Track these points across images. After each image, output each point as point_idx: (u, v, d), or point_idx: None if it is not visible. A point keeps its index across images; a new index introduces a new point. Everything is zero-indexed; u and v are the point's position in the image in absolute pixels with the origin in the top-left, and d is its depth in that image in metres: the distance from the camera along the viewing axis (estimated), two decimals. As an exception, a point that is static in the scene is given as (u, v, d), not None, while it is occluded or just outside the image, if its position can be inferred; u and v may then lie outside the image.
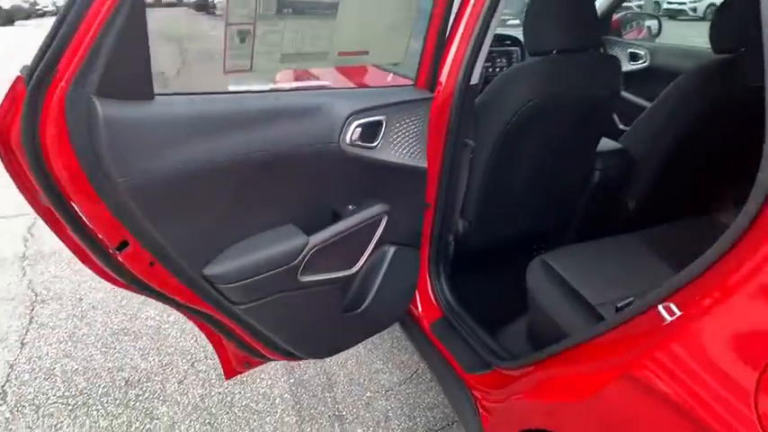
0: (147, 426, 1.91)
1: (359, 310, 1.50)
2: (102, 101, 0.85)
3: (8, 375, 2.12)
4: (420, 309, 1.84)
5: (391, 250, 1.54)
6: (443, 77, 1.56)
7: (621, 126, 2.88)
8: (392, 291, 1.59)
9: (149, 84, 0.93)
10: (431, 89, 1.46)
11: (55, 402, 2.00)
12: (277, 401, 2.03)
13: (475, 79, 1.57)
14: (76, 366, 2.17)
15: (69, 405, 1.99)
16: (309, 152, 1.18)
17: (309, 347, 1.46)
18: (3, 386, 2.07)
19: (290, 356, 1.45)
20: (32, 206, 0.99)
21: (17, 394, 2.03)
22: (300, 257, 1.22)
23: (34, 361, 2.20)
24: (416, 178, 1.49)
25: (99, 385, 2.08)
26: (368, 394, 2.08)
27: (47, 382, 2.09)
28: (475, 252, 2.02)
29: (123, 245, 1.01)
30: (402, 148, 1.39)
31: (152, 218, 0.97)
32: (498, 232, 2.08)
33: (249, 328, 1.28)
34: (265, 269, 1.17)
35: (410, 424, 1.96)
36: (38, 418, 1.93)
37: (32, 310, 2.53)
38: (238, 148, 1.06)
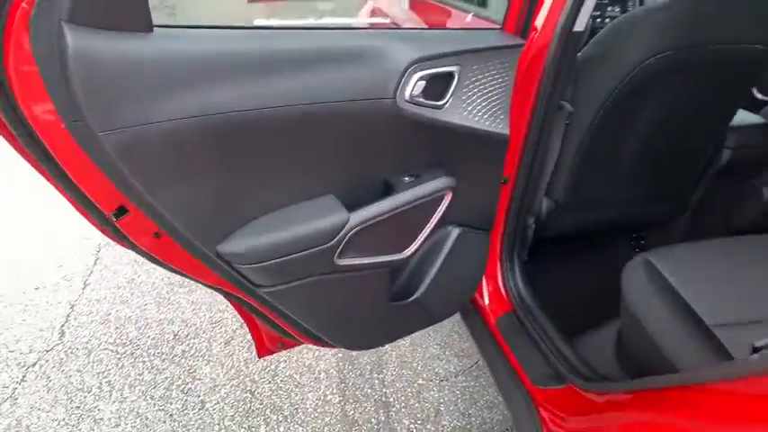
0: (189, 385, 1.84)
1: (409, 300, 1.27)
2: (76, 30, 0.66)
3: (68, 315, 2.14)
4: (486, 300, 1.58)
5: (455, 233, 1.28)
6: (539, 21, 1.24)
7: (760, 96, 2.35)
8: (453, 279, 1.35)
9: (146, 12, 0.72)
10: (522, 35, 1.15)
11: (105, 349, 1.98)
12: (321, 376, 1.89)
13: (580, 26, 1.23)
14: (130, 314, 2.15)
15: (118, 353, 1.96)
16: (355, 109, 0.94)
17: (346, 338, 1.27)
18: (62, 326, 2.09)
19: (324, 344, 1.27)
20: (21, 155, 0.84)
21: (74, 335, 2.04)
22: (338, 238, 1.00)
23: (93, 303, 2.20)
24: (494, 147, 1.20)
25: (148, 336, 2.05)
26: (420, 381, 1.88)
27: (101, 327, 2.09)
28: (559, 238, 1.71)
29: (122, 211, 0.84)
30: (478, 108, 1.10)
31: (146, 182, 0.78)
32: (591, 216, 1.75)
33: (277, 311, 1.10)
34: (293, 249, 0.97)
35: (463, 422, 1.74)
36: (87, 363, 1.92)
37: (99, 251, 2.55)
38: (262, 99, 0.84)
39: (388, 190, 1.11)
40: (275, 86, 0.85)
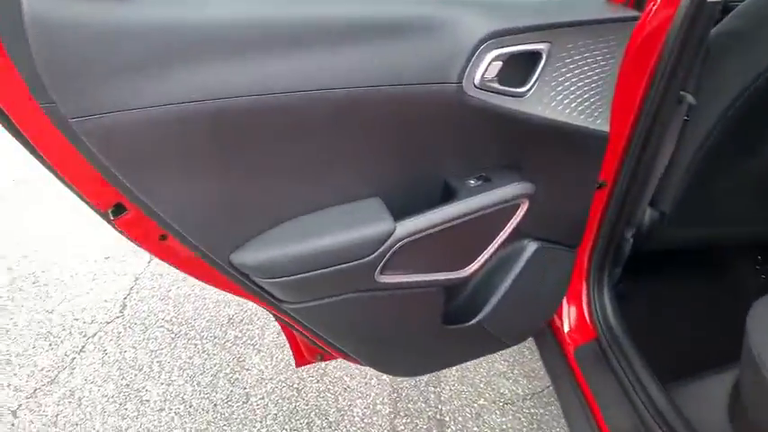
0: (236, 375, 1.77)
1: (469, 324, 1.07)
2: None
3: (131, 288, 2.15)
4: (565, 323, 1.34)
5: (531, 247, 1.06)
6: (662, -13, 0.97)
7: None
8: (526, 301, 1.13)
9: None
10: (637, 5, 0.89)
11: (161, 327, 1.96)
12: (373, 382, 1.74)
13: (718, -6, 0.95)
14: (189, 292, 2.12)
15: (173, 333, 1.94)
16: (409, 96, 0.75)
17: (388, 363, 1.09)
18: (125, 298, 2.10)
19: (363, 363, 1.10)
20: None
21: (134, 309, 2.05)
22: (380, 252, 0.82)
23: (156, 278, 2.20)
24: (589, 148, 0.96)
25: (204, 317, 2.00)
26: (481, 401, 1.68)
27: (160, 303, 2.07)
28: (662, 258, 1.42)
29: (119, 209, 0.71)
30: (571, 98, 0.87)
31: (133, 178, 0.64)
32: (705, 232, 1.44)
33: (307, 328, 0.95)
34: (323, 263, 0.80)
35: (527, 457, 1.53)
36: (143, 340, 1.91)
37: (168, 224, 2.56)
38: (288, 81, 0.67)
39: (448, 194, 0.90)
40: (304, 65, 0.67)
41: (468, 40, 0.74)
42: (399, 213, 0.85)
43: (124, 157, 0.61)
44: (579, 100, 0.88)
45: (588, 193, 1.05)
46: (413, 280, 0.91)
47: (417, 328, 1.03)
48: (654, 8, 0.93)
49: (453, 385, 1.73)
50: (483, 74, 0.77)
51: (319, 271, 0.80)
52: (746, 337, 0.97)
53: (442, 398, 1.69)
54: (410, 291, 0.94)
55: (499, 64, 0.77)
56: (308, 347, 1.19)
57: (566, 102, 0.87)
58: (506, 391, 1.71)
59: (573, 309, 1.34)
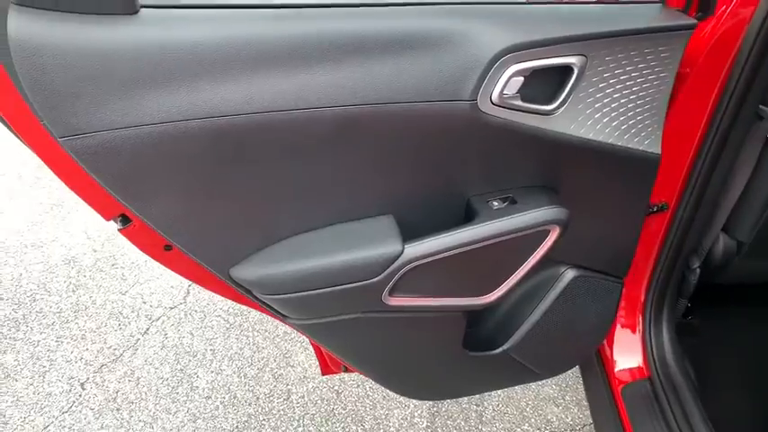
0: (282, 371, 1.80)
1: (495, 352, 1.00)
2: (24, 12, 0.53)
3: (196, 276, 2.26)
4: (615, 356, 1.22)
5: (568, 276, 0.97)
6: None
7: None
8: (560, 332, 1.03)
9: None
10: (701, 10, 0.77)
11: (218, 316, 2.05)
12: (414, 393, 1.70)
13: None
14: (247, 285, 2.19)
15: (228, 323, 2.01)
16: (419, 114, 0.70)
17: (401, 384, 1.05)
18: (189, 286, 2.21)
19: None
20: None
21: (195, 297, 2.15)
22: (386, 274, 0.78)
23: (219, 268, 2.30)
24: (636, 171, 0.85)
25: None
26: (525, 427, 1.58)
27: (220, 293, 2.16)
28: (736, 292, 1.25)
29: (125, 219, 0.73)
30: (612, 116, 0.77)
31: (127, 194, 0.65)
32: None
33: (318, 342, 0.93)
34: (325, 282, 0.77)
35: (568, 494, 1.42)
36: (199, 327, 2.00)
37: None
38: (288, 99, 0.64)
39: (469, 214, 0.84)
40: (305, 83, 0.65)
41: (484, 56, 0.68)
42: (419, 232, 0.80)
43: (116, 174, 0.62)
44: (622, 118, 0.78)
45: (636, 219, 0.93)
46: (426, 304, 0.86)
47: (434, 353, 0.98)
48: (721, 14, 0.80)
49: (497, 406, 1.64)
50: (502, 90, 0.70)
51: (321, 290, 0.77)
52: None
53: (484, 418, 1.61)
54: (424, 314, 0.89)
55: (520, 79, 0.70)
56: (331, 358, 1.18)
57: (605, 120, 0.77)
58: (554, 419, 1.60)
59: (626, 342, 1.21)
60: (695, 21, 0.72)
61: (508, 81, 0.69)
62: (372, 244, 0.78)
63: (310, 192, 0.74)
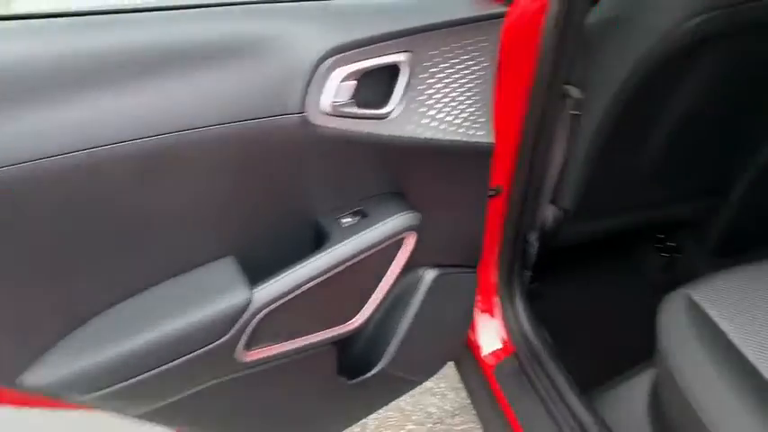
0: None
1: (371, 374, 0.94)
2: None
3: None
4: (481, 340, 1.25)
5: (428, 277, 0.94)
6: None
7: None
8: (431, 334, 1.01)
9: None
10: (506, -1, 0.79)
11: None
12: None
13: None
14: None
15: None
16: (244, 133, 0.59)
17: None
18: None
19: None
20: None
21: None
22: (236, 330, 0.66)
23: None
24: (473, 162, 0.85)
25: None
26: (409, 426, 1.57)
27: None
28: (568, 255, 1.37)
29: None
30: (444, 112, 0.75)
31: None
32: (607, 223, 1.40)
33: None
34: (161, 360, 0.63)
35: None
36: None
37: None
38: (66, 136, 0.49)
39: (320, 236, 0.76)
40: (87, 114, 0.50)
41: (305, 61, 0.60)
42: (270, 267, 0.70)
43: None
44: (455, 113, 0.76)
45: (480, 208, 0.94)
46: (291, 348, 0.76)
47: (313, 392, 0.89)
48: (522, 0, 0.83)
49: (379, 412, 1.60)
50: (333, 97, 0.63)
51: (157, 370, 0.63)
52: (657, 337, 0.92)
53: (368, 429, 1.56)
54: (291, 357, 0.79)
55: (353, 83, 0.63)
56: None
57: (439, 117, 0.75)
58: (434, 409, 1.61)
59: (488, 325, 1.25)
60: (505, 8, 0.73)
61: (339, 87, 0.62)
62: (212, 297, 0.65)
63: (119, 250, 0.59)
